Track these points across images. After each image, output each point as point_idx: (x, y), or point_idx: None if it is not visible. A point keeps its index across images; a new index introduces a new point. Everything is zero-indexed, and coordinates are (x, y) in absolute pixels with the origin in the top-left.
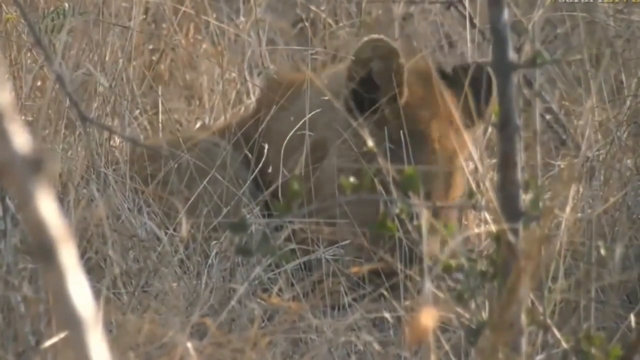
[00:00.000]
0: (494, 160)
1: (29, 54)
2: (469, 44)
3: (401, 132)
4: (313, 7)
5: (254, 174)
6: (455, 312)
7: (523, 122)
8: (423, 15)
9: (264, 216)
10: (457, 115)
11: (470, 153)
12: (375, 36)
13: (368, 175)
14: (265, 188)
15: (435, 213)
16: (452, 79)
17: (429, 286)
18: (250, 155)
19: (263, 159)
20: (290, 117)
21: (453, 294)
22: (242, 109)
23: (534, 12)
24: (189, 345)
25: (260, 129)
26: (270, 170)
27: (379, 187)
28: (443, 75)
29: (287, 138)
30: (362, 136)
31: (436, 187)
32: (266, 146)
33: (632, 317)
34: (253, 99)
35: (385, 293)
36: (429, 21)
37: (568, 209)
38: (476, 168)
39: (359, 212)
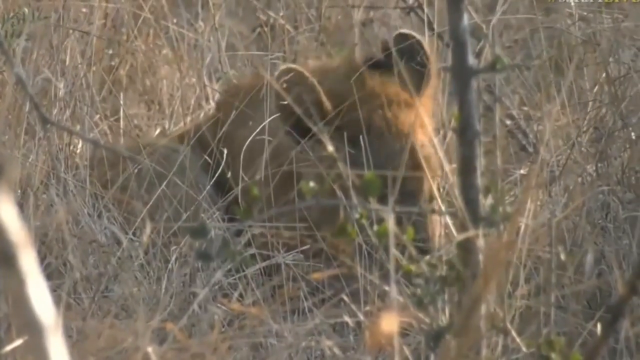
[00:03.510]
0: (454, 165)
1: None
2: (428, 49)
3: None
4: (272, 13)
5: (214, 178)
6: (415, 316)
7: (483, 127)
8: (383, 20)
9: (224, 221)
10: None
11: (426, 120)
12: (283, 67)
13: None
14: (224, 193)
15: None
16: (386, 62)
17: (394, 291)
18: (209, 160)
19: (222, 164)
20: (249, 122)
21: (413, 298)
22: (202, 114)
23: (493, 16)
24: (150, 350)
25: (219, 134)
26: (229, 175)
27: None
28: (377, 63)
29: (247, 143)
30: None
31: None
32: (225, 151)
33: (598, 325)
34: (213, 104)
35: (346, 298)
36: (389, 26)
37: (528, 214)
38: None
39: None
